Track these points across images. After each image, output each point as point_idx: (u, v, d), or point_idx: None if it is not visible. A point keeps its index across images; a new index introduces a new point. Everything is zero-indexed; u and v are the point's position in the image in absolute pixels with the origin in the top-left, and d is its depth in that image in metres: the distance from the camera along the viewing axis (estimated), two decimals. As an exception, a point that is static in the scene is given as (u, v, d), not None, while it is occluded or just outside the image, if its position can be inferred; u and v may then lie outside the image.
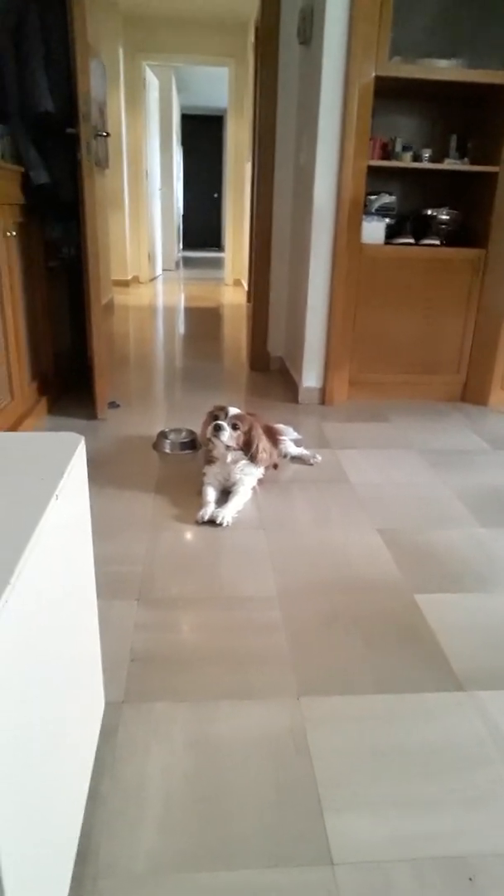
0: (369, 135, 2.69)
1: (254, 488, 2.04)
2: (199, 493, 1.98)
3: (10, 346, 2.27)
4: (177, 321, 5.46)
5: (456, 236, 3.01)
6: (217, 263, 10.16)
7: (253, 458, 1.98)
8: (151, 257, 7.55)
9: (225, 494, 1.99)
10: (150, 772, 1.02)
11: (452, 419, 2.90)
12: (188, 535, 1.79)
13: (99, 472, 2.15)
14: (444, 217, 2.98)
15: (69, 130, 2.38)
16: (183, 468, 2.25)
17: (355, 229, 2.80)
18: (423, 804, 0.98)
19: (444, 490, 2.14)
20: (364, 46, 2.54)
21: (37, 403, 2.58)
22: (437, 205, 3.03)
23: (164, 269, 8.76)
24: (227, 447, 1.96)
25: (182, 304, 6.33)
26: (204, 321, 5.49)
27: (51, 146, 2.45)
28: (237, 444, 1.97)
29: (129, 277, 6.94)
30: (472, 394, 3.13)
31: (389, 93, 2.77)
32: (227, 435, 1.93)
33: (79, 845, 0.88)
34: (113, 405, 2.86)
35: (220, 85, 7.50)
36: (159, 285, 7.58)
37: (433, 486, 2.17)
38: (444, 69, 2.64)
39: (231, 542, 1.77)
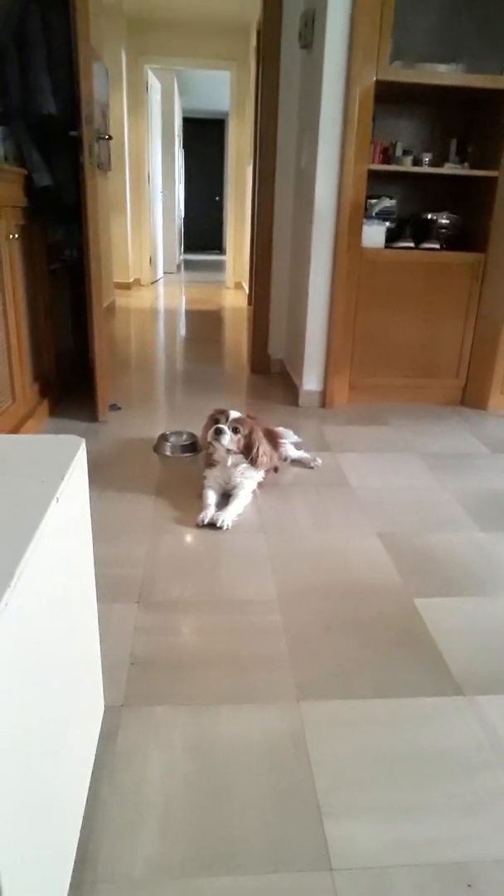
0: (370, 139, 2.70)
1: (254, 491, 2.04)
2: (200, 496, 1.98)
3: (11, 347, 2.27)
4: (178, 324, 5.46)
5: (456, 240, 3.02)
6: (218, 266, 10.17)
7: (253, 462, 1.98)
8: (153, 260, 7.57)
9: (225, 497, 1.99)
10: (149, 776, 1.02)
11: (452, 423, 2.90)
12: (188, 538, 1.80)
13: (100, 474, 2.15)
14: (444, 221, 2.99)
15: (72, 133, 2.39)
16: (183, 471, 2.25)
17: (356, 233, 2.81)
18: (421, 809, 0.98)
19: (443, 494, 2.14)
20: (365, 51, 2.54)
21: (38, 405, 2.58)
22: (437, 209, 3.04)
23: (165, 272, 8.77)
24: (228, 450, 1.96)
25: (183, 307, 6.34)
26: (205, 324, 5.50)
27: (53, 149, 2.45)
28: (238, 448, 1.97)
29: (131, 280, 6.95)
30: (471, 397, 3.14)
31: (390, 97, 2.78)
32: (228, 438, 1.93)
33: (78, 849, 0.88)
34: (114, 407, 2.86)
35: (222, 88, 7.52)
36: (160, 288, 7.59)
37: (433, 490, 2.17)
38: (444, 74, 2.65)
39: (231, 545, 1.77)
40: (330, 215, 2.79)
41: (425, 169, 2.87)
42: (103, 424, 2.68)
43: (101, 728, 1.09)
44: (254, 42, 5.00)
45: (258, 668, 1.28)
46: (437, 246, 2.96)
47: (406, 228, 2.99)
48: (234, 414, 1.99)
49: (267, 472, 2.11)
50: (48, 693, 0.73)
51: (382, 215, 2.98)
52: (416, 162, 2.89)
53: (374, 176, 2.80)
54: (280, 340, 3.73)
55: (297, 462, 2.34)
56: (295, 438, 2.47)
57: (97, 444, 2.45)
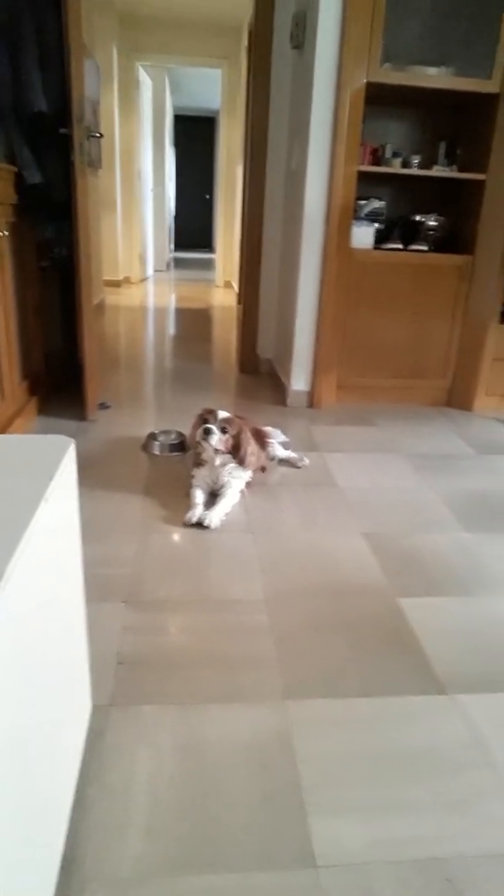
0: (360, 140, 2.71)
1: (242, 491, 2.05)
2: (188, 496, 1.98)
3: (0, 345, 2.26)
4: (167, 322, 5.46)
5: (443, 242, 3.04)
6: (208, 265, 10.16)
7: (241, 462, 1.99)
8: (143, 258, 7.55)
9: (213, 497, 1.99)
10: (137, 775, 1.03)
11: (438, 424, 2.93)
12: (176, 538, 1.80)
13: (88, 473, 2.15)
14: (433, 223, 3.01)
15: (62, 131, 2.38)
16: (172, 470, 2.25)
17: (345, 234, 2.82)
18: (405, 807, 1.00)
19: (429, 494, 2.16)
20: (356, 53, 2.56)
21: (27, 403, 2.57)
22: (426, 211, 3.06)
23: (155, 270, 8.75)
24: (216, 450, 1.96)
25: (173, 305, 6.33)
26: (194, 322, 5.49)
27: (44, 146, 2.44)
28: (226, 448, 1.98)
29: (121, 278, 6.93)
30: (457, 399, 3.16)
31: (380, 99, 2.80)
32: (217, 438, 1.94)
33: (65, 849, 0.89)
34: (103, 406, 2.86)
35: (213, 86, 7.51)
36: (150, 286, 7.57)
37: (419, 491, 2.19)
38: (434, 77, 2.67)
39: (219, 544, 1.78)
40: (319, 216, 2.81)
41: (414, 171, 2.89)
42: (92, 423, 2.68)
43: (89, 728, 1.10)
44: (245, 41, 5.01)
45: (245, 668, 1.29)
46: (426, 248, 2.98)
47: (395, 230, 3.01)
48: (222, 414, 2.00)
49: (255, 471, 2.12)
50: (36, 692, 0.74)
51: (371, 217, 3.00)
52: (405, 164, 2.91)
53: (363, 177, 2.81)
54: (269, 340, 3.74)
55: (284, 462, 2.35)
56: (283, 438, 2.48)
57: (86, 443, 2.45)
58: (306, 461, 2.35)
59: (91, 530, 1.75)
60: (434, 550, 1.79)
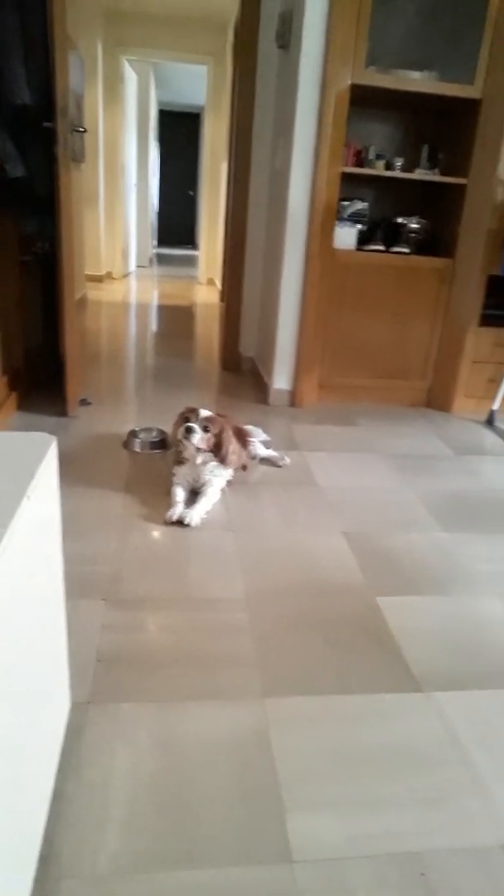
0: (344, 141, 2.73)
1: (223, 490, 2.06)
2: (169, 493, 1.99)
3: (-21, 341, 2.24)
4: (150, 319, 5.44)
5: (425, 245, 3.07)
6: (191, 261, 10.14)
7: (222, 461, 2.00)
8: (125, 253, 7.50)
9: (194, 495, 2.00)
10: (115, 772, 1.03)
11: (418, 424, 2.96)
12: (156, 535, 1.80)
13: (69, 470, 2.14)
14: (415, 226, 3.04)
15: (46, 124, 2.36)
16: (153, 467, 2.25)
17: (328, 234, 2.84)
18: (380, 803, 1.02)
19: (408, 494, 2.19)
20: (341, 54, 2.57)
21: (6, 399, 2.55)
22: (408, 213, 3.09)
23: (137, 266, 8.70)
24: (198, 449, 1.97)
25: (155, 302, 6.30)
26: (177, 319, 5.48)
27: (27, 139, 2.42)
28: (207, 446, 1.98)
29: (103, 273, 6.88)
30: (436, 400, 3.20)
31: (364, 101, 2.82)
32: (198, 437, 1.94)
33: (42, 846, 0.89)
34: (84, 402, 2.84)
35: (199, 83, 7.48)
36: (133, 282, 7.53)
37: (398, 491, 2.22)
38: (418, 81, 2.70)
39: (199, 542, 1.78)
40: (303, 215, 2.82)
41: (397, 174, 2.92)
42: (73, 419, 2.67)
43: (68, 725, 1.10)
44: (231, 38, 5.00)
45: (224, 666, 1.30)
46: (407, 250, 3.00)
47: (377, 232, 3.03)
48: (204, 413, 2.00)
49: (236, 470, 2.13)
50: (15, 689, 0.74)
51: (354, 218, 3.02)
52: (389, 166, 2.94)
53: (347, 178, 2.83)
54: (251, 338, 3.75)
55: (265, 461, 2.37)
56: (264, 437, 2.49)
57: (67, 440, 2.43)
58: (287, 460, 2.37)
59: (71, 527, 1.74)
60: (412, 550, 1.82)
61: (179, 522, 1.85)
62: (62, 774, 1.01)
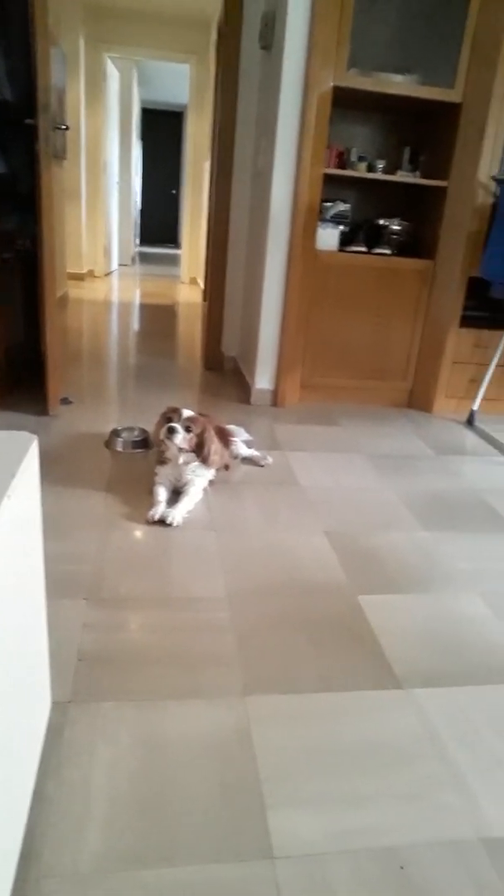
0: (326, 143, 2.74)
1: (205, 489, 2.06)
2: (151, 493, 1.98)
3: (-41, 338, 2.22)
4: (132, 318, 5.42)
5: (406, 247, 3.10)
6: (174, 260, 10.11)
7: (204, 461, 2.00)
8: (107, 251, 7.46)
9: (176, 494, 2.00)
10: (96, 772, 1.03)
11: (399, 424, 2.99)
12: (138, 535, 1.80)
13: (50, 469, 2.13)
14: (396, 227, 3.06)
15: (27, 121, 2.35)
16: (135, 467, 2.25)
17: (310, 235, 2.85)
18: (360, 799, 1.03)
19: (389, 494, 2.21)
20: (323, 56, 2.58)
21: (-15, 398, 2.53)
22: (390, 215, 3.12)
23: (120, 264, 8.66)
24: (180, 449, 1.97)
25: (138, 301, 6.28)
26: (159, 318, 5.47)
27: (9, 136, 2.41)
28: (190, 447, 1.98)
29: (85, 271, 6.84)
30: (417, 400, 3.23)
31: (347, 103, 2.84)
32: (181, 437, 1.94)
33: (23, 846, 0.89)
34: (65, 401, 2.83)
35: (182, 81, 7.47)
36: (115, 280, 7.50)
37: (379, 490, 2.24)
38: (399, 84, 2.72)
39: (181, 542, 1.78)
40: (285, 216, 2.83)
41: (379, 175, 2.94)
42: (54, 418, 2.65)
43: (48, 724, 1.10)
44: (214, 37, 5.00)
45: (206, 665, 1.30)
46: (389, 252, 3.03)
47: (359, 233, 3.05)
48: (186, 413, 2.00)
49: (218, 469, 2.13)
50: (-4, 690, 0.74)
51: (336, 219, 3.03)
52: (371, 168, 2.96)
53: (329, 180, 2.85)
54: (234, 338, 3.76)
55: (247, 460, 2.37)
56: (246, 436, 2.50)
57: (47, 439, 2.42)
58: (269, 460, 2.37)
59: (52, 527, 1.74)
60: (393, 548, 1.84)
61: (162, 522, 1.85)
62: (43, 774, 1.01)
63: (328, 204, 3.02)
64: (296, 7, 2.54)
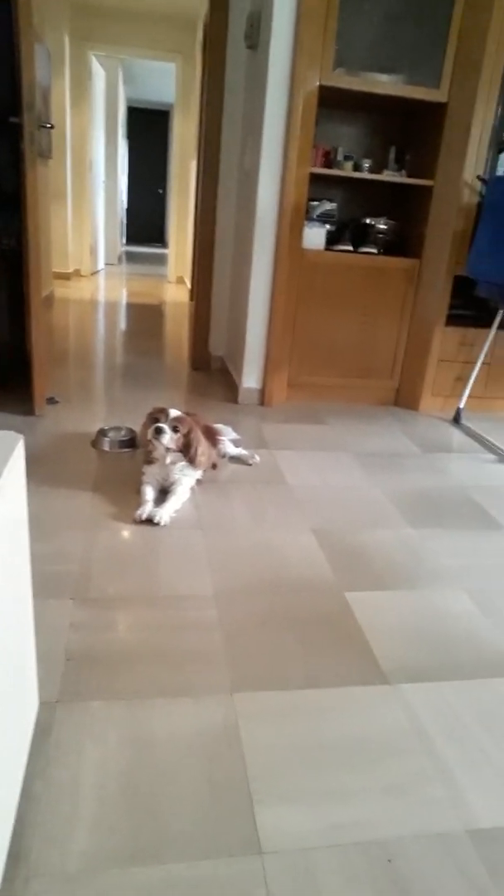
0: (312, 142, 2.75)
1: (192, 488, 2.06)
2: (138, 492, 1.98)
3: None
4: (118, 317, 5.40)
5: (392, 246, 3.12)
6: (160, 260, 10.09)
7: (192, 461, 2.00)
8: (94, 251, 7.43)
9: (163, 493, 2.00)
10: (84, 771, 1.03)
11: (386, 423, 3.00)
12: (126, 534, 1.80)
13: (36, 469, 2.12)
14: (382, 226, 3.08)
15: (12, 119, 2.33)
16: (122, 466, 2.24)
17: (297, 234, 2.86)
18: (348, 794, 1.03)
19: (376, 492, 2.22)
20: (309, 56, 2.59)
21: (-29, 398, 2.52)
22: (376, 214, 3.13)
23: (106, 264, 8.63)
24: (167, 449, 1.97)
25: (124, 300, 6.26)
26: (146, 318, 5.45)
27: (-9, 135, 2.39)
28: (177, 447, 1.98)
29: (71, 270, 6.81)
30: (404, 399, 3.25)
31: (333, 102, 2.85)
32: (168, 437, 1.94)
33: (11, 845, 0.88)
34: (51, 401, 2.81)
35: (168, 80, 7.45)
36: (101, 279, 7.47)
37: (366, 488, 2.25)
38: (385, 83, 2.73)
39: (169, 541, 1.78)
40: (272, 216, 2.83)
41: (365, 175, 2.95)
42: (40, 418, 2.64)
43: (36, 724, 1.09)
44: (200, 36, 4.99)
45: (193, 663, 1.30)
46: (375, 251, 3.04)
47: (345, 232, 3.07)
48: (173, 412, 2.00)
49: (205, 469, 2.13)
50: (-18, 689, 0.73)
51: (323, 218, 3.04)
52: (357, 167, 2.97)
53: (315, 179, 2.86)
54: (221, 337, 3.76)
55: (235, 459, 2.37)
56: (233, 435, 2.50)
57: (34, 439, 2.41)
58: (257, 459, 2.38)
59: (39, 527, 1.74)
60: (380, 546, 1.85)
61: (149, 521, 1.85)
62: (31, 774, 1.01)
63: (315, 203, 3.03)
64: (281, 7, 2.55)
